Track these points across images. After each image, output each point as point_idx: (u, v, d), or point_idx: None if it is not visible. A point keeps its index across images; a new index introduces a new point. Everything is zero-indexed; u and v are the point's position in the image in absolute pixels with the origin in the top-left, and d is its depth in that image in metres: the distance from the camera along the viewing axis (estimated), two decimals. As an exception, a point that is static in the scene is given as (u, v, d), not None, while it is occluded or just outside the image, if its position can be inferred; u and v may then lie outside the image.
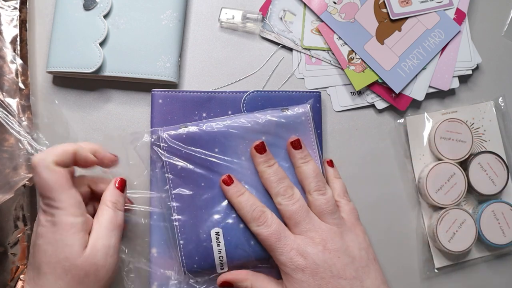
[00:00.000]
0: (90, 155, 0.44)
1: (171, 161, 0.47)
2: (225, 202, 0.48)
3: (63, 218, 0.40)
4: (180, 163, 0.47)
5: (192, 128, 0.48)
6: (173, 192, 0.47)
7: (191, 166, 0.48)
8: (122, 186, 0.45)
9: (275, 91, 0.52)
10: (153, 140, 0.48)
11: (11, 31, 0.54)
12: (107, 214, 0.42)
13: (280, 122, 0.49)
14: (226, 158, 0.48)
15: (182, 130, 0.48)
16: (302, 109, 0.49)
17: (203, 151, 0.48)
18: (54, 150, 0.42)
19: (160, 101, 0.51)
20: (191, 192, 0.47)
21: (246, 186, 0.48)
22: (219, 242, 0.46)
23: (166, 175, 0.47)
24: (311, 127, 0.49)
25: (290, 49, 0.57)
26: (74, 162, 0.43)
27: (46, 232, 0.40)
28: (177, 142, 0.47)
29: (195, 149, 0.48)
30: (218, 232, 0.47)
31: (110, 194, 0.44)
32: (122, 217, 0.43)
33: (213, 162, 0.48)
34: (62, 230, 0.39)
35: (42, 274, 0.39)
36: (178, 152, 0.47)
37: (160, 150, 0.48)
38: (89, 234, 0.41)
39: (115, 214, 0.43)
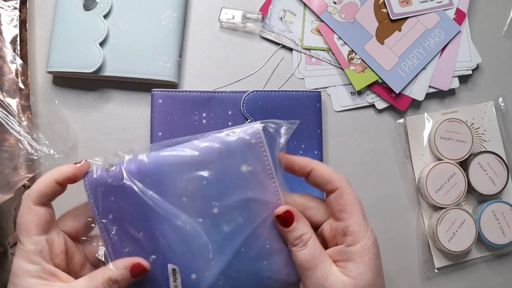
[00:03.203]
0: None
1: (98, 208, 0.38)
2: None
3: (18, 262, 0.37)
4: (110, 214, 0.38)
5: (118, 169, 0.38)
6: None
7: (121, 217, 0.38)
8: (136, 273, 0.37)
9: (275, 91, 0.52)
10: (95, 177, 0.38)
11: (11, 31, 0.54)
12: (93, 285, 0.36)
13: (223, 149, 0.38)
14: (162, 201, 0.38)
15: (112, 170, 0.38)
16: (250, 130, 0.38)
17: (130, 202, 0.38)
18: (37, 184, 0.38)
19: (160, 101, 0.51)
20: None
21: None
22: None
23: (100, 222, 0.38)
24: (265, 151, 0.38)
25: (290, 49, 0.57)
26: (57, 193, 0.39)
27: (11, 274, 0.38)
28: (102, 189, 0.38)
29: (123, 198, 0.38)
30: None
31: (115, 270, 0.37)
32: None
33: (149, 208, 0.37)
34: (15, 274, 0.37)
35: None
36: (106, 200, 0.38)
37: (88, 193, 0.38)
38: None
39: None
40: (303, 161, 0.40)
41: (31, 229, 0.37)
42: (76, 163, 0.39)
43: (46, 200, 0.38)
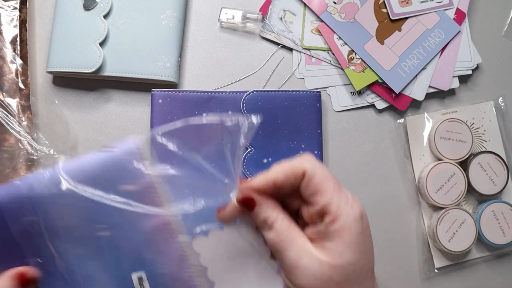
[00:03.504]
0: None
1: None
2: None
3: None
4: None
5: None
6: None
7: None
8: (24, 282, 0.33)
9: (275, 91, 0.52)
10: None
11: (11, 31, 0.54)
12: None
13: (93, 173, 0.32)
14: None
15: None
16: (126, 146, 0.32)
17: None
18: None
19: (160, 101, 0.51)
20: None
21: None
22: None
23: None
24: (146, 168, 0.32)
25: (290, 49, 0.57)
26: None
27: None
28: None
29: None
30: None
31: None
32: None
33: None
34: None
35: None
36: None
37: None
38: None
39: None
40: (262, 180, 0.35)
41: None
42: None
43: None
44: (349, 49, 0.56)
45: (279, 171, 0.35)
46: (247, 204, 0.35)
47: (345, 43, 0.56)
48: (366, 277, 0.35)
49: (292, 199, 0.37)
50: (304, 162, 0.35)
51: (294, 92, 0.53)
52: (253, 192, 0.35)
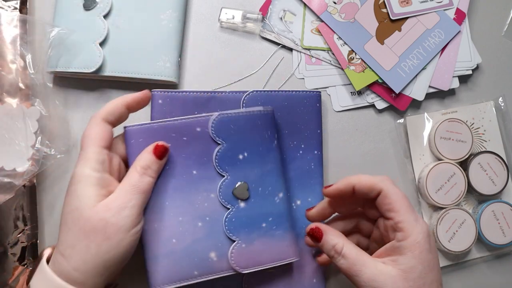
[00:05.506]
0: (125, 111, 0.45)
1: None
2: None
3: (80, 169, 0.40)
4: None
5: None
6: None
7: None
8: (160, 152, 0.42)
9: (275, 91, 0.52)
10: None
11: (11, 31, 0.54)
12: (132, 177, 0.41)
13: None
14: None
15: None
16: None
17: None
18: (107, 105, 0.43)
19: (160, 101, 0.51)
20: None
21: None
22: None
23: None
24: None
25: (290, 49, 0.57)
26: (118, 120, 0.44)
27: (69, 184, 0.40)
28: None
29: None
30: None
31: (141, 158, 0.42)
32: (149, 184, 0.41)
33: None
34: (76, 180, 0.40)
35: (60, 226, 0.40)
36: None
37: None
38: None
39: (141, 178, 0.41)
40: (344, 183, 0.42)
41: (97, 140, 0.41)
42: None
43: (113, 119, 0.43)
44: (349, 49, 0.56)
45: (362, 180, 0.41)
46: (315, 234, 0.41)
47: (345, 43, 0.56)
48: None
49: (372, 210, 0.44)
50: (382, 181, 0.41)
51: (294, 92, 0.53)
52: (320, 223, 0.42)
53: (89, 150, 0.41)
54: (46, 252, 0.42)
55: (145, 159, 0.42)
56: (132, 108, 0.45)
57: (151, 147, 0.42)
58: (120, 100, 0.44)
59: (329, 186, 0.44)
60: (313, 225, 0.42)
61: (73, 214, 0.39)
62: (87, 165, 0.40)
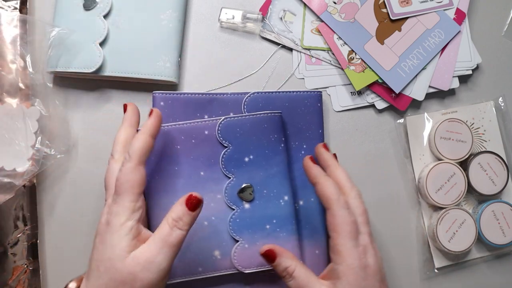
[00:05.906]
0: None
1: None
2: None
3: (118, 219, 0.39)
4: None
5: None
6: None
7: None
8: (192, 204, 0.40)
9: (275, 92, 0.52)
10: None
11: (11, 31, 0.54)
12: (162, 230, 0.40)
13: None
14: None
15: None
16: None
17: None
18: (138, 144, 0.41)
19: (162, 103, 0.51)
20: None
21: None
22: None
23: None
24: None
25: (290, 49, 0.57)
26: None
27: (102, 230, 0.40)
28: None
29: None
30: None
31: (174, 210, 0.40)
32: (178, 237, 0.39)
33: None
34: (113, 230, 0.39)
35: (91, 270, 0.40)
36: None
37: None
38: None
39: (171, 231, 0.39)
40: (314, 172, 0.44)
41: (134, 188, 0.40)
42: (150, 114, 0.44)
43: (146, 159, 0.42)
44: (349, 49, 0.56)
45: (324, 187, 0.42)
46: (269, 256, 0.42)
47: (345, 43, 0.56)
48: None
49: None
50: (337, 200, 0.41)
51: (295, 93, 0.53)
52: (275, 246, 0.42)
53: (126, 199, 0.40)
54: (72, 286, 0.42)
55: (177, 211, 0.40)
56: (156, 136, 0.44)
57: (183, 199, 0.40)
58: (146, 136, 0.42)
59: (310, 160, 0.45)
60: (267, 247, 0.42)
61: (106, 264, 0.39)
62: (124, 215, 0.39)
